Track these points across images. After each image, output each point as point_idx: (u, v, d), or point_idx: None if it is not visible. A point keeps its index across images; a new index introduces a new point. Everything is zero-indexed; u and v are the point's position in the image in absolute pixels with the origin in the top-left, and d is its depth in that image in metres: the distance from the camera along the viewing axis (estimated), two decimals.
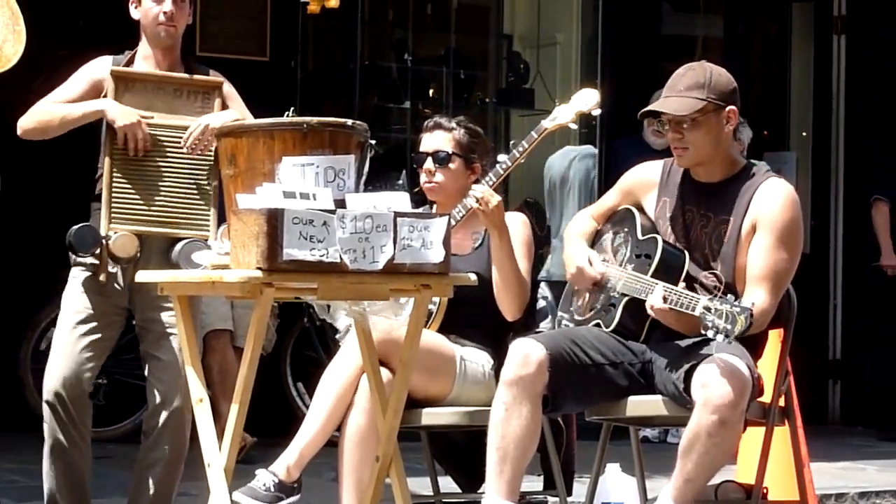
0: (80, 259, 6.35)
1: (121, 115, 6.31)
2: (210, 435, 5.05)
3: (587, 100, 6.63)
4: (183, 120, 6.42)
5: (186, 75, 6.58)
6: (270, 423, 8.56)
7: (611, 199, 6.59)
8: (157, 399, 6.49)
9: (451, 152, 6.63)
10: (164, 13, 6.45)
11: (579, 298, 6.43)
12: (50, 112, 6.42)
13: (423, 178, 6.68)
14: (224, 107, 6.54)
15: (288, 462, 6.15)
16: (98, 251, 6.28)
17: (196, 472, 6.59)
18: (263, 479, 6.07)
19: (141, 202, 6.39)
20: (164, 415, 6.46)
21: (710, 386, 5.93)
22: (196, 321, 5.89)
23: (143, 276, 5.50)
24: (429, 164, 6.65)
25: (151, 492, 6.51)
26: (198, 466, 6.50)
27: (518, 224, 6.61)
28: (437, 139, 6.72)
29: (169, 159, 6.44)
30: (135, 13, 6.54)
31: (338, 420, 6.17)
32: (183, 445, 6.49)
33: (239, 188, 5.07)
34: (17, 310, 6.65)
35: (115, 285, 6.41)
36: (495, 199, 6.37)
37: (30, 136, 6.46)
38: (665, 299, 6.00)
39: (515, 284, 6.49)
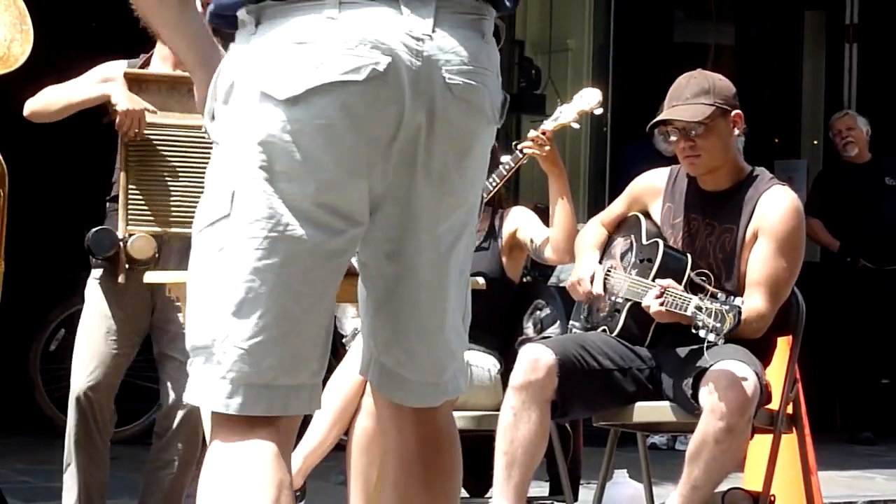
0: (98, 262, 6.36)
1: (125, 99, 6.28)
2: None
3: (589, 98, 6.64)
4: (197, 119, 6.39)
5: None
6: None
7: (619, 206, 6.62)
8: (172, 399, 6.48)
9: None
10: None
11: (590, 307, 6.46)
12: (55, 93, 6.44)
13: None
14: None
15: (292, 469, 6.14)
16: (115, 253, 6.28)
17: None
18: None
19: (157, 203, 6.38)
20: (179, 415, 6.45)
21: (718, 392, 5.93)
22: None
23: (151, 276, 5.48)
24: None
25: (163, 493, 6.51)
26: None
27: (528, 209, 6.68)
28: None
29: (184, 159, 6.44)
30: None
31: (345, 425, 6.15)
32: (196, 446, 6.45)
33: None
34: (26, 311, 6.63)
35: (138, 287, 6.32)
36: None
37: (35, 117, 6.44)
38: (660, 301, 6.04)
39: (572, 223, 6.62)
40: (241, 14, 3.30)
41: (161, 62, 6.58)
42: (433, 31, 3.22)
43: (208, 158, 6.26)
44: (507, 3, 3.39)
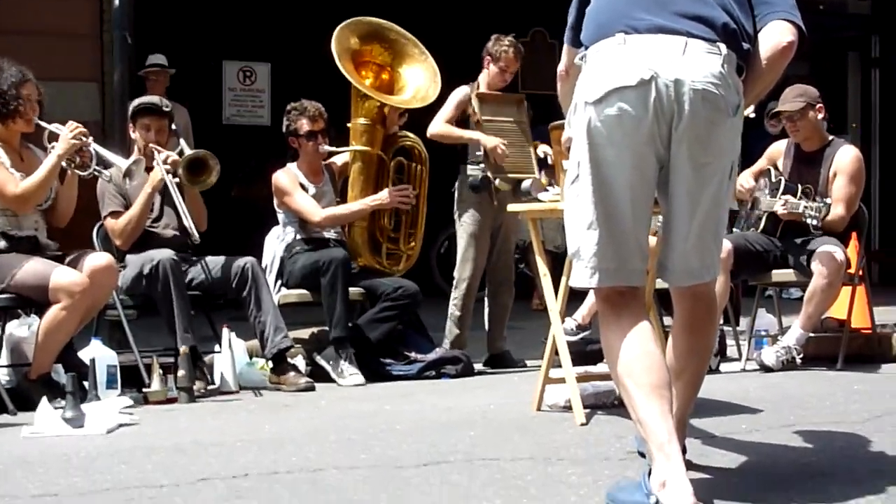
0: (476, 194, 6.22)
1: (489, 141, 6.12)
2: (549, 291, 4.68)
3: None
4: (512, 118, 6.29)
5: (509, 94, 6.41)
6: None
7: (761, 162, 6.41)
8: (498, 270, 6.37)
9: None
10: (508, 76, 6.33)
11: (746, 217, 6.27)
12: (448, 131, 6.21)
13: None
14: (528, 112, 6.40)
15: (582, 312, 6.07)
16: (487, 189, 6.17)
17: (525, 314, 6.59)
18: (569, 323, 5.97)
19: (506, 160, 6.18)
20: (502, 279, 6.36)
21: (822, 263, 5.81)
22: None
23: (512, 207, 5.21)
24: None
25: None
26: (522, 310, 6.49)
27: None
28: None
29: (510, 137, 6.23)
30: (487, 66, 6.32)
31: None
32: (511, 300, 6.43)
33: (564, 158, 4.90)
34: (428, 230, 6.60)
35: (493, 209, 6.24)
36: None
37: (433, 138, 6.26)
38: (785, 207, 5.93)
39: None
40: (584, 55, 3.15)
41: (484, 86, 6.32)
42: (683, 55, 3.01)
43: (520, 138, 6.18)
44: (744, 47, 3.11)
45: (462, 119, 6.28)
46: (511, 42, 6.33)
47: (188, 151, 5.69)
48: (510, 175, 6.21)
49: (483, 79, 6.37)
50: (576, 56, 3.22)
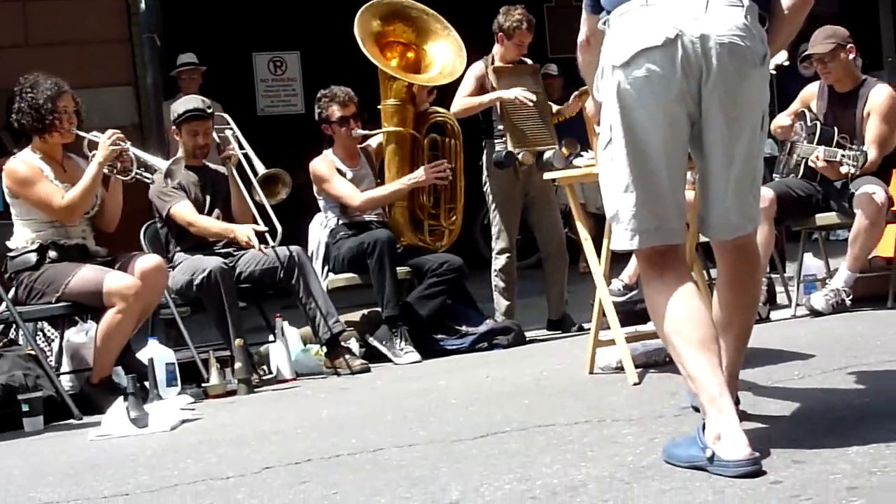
0: (501, 170, 6.23)
1: (508, 93, 6.12)
2: (592, 255, 4.71)
3: (780, 57, 6.32)
4: (532, 88, 6.24)
5: (524, 65, 6.35)
6: None
7: (795, 105, 6.33)
8: (546, 237, 6.40)
9: None
10: (524, 48, 6.29)
11: (786, 163, 6.21)
12: (467, 103, 6.21)
13: None
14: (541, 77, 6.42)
15: (628, 272, 6.06)
16: (513, 163, 6.17)
17: (572, 278, 6.58)
18: (615, 284, 5.98)
19: (525, 132, 6.19)
20: (551, 246, 6.40)
21: (864, 203, 5.75)
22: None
23: (548, 175, 5.27)
24: None
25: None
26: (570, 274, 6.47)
27: None
28: None
29: (535, 109, 6.20)
30: (501, 41, 6.27)
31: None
32: (566, 264, 6.42)
33: (594, 122, 4.88)
34: (469, 202, 6.59)
35: (521, 179, 6.25)
36: None
37: (459, 116, 6.29)
38: (820, 156, 5.86)
39: None
40: (607, 19, 3.15)
41: (499, 59, 6.31)
42: (705, 10, 3.00)
43: (539, 109, 6.10)
44: None
45: (482, 93, 6.26)
46: (521, 14, 6.29)
47: (260, 168, 5.82)
48: (532, 148, 6.19)
49: (497, 52, 6.34)
50: (596, 23, 3.22)
